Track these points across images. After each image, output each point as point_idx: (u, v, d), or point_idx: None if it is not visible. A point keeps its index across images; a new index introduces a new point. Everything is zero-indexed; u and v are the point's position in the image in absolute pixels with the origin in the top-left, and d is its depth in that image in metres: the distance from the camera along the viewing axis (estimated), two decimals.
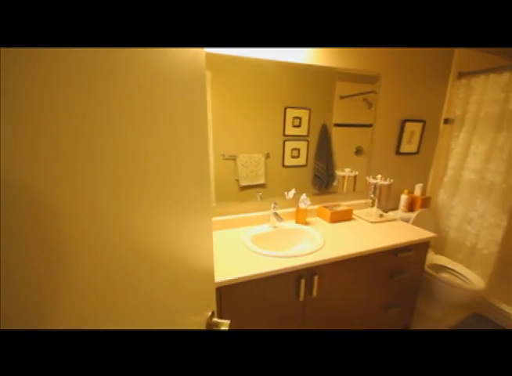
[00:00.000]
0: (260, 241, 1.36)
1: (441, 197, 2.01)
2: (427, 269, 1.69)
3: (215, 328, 0.67)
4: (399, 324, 1.59)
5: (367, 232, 1.46)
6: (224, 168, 1.45)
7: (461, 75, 1.86)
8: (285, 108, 1.51)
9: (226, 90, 1.35)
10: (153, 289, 0.45)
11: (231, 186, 1.50)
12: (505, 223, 1.66)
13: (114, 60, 0.34)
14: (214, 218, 1.44)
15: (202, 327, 0.64)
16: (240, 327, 1.11)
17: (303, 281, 1.15)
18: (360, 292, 1.35)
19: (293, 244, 1.44)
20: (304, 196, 1.54)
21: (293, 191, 1.59)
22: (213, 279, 0.79)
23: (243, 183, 1.52)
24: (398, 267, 1.40)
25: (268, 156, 1.54)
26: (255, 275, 1.04)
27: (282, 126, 1.53)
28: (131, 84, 0.37)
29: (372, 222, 1.59)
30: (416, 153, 1.96)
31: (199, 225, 0.61)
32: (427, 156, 2.04)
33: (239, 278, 1.02)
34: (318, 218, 1.65)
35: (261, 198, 1.55)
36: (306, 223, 1.55)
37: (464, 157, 1.86)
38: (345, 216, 1.62)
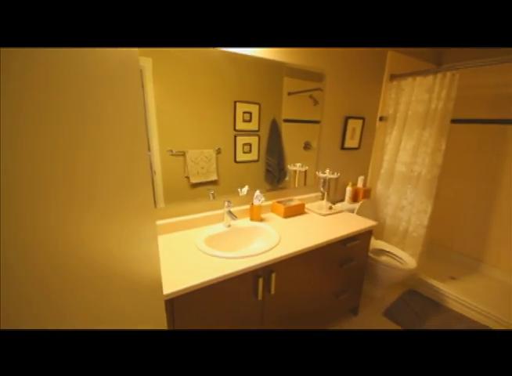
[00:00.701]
0: (215, 242, 1.28)
1: (379, 187, 2.21)
2: (369, 254, 1.85)
3: None
4: (349, 308, 1.70)
5: (319, 225, 1.51)
6: (172, 165, 1.33)
7: (393, 77, 2.05)
8: (235, 102, 1.45)
9: (171, 80, 1.23)
10: (81, 312, 0.36)
11: (181, 184, 1.38)
12: (430, 209, 1.91)
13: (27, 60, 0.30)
14: (164, 221, 1.32)
15: None
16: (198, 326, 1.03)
17: (261, 280, 1.12)
18: (314, 284, 1.40)
19: (249, 242, 1.40)
20: (258, 192, 1.51)
21: (246, 188, 1.55)
22: (160, 291, 0.70)
23: (194, 180, 1.42)
24: (346, 256, 1.49)
25: (219, 151, 1.47)
26: (210, 280, 0.97)
27: (232, 120, 1.47)
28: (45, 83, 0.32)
29: (323, 215, 1.66)
30: (358, 148, 2.12)
31: (139, 231, 0.51)
32: (367, 150, 2.22)
33: (193, 286, 0.93)
34: (272, 214, 1.65)
35: (214, 197, 1.48)
36: (261, 220, 1.54)
37: (396, 152, 2.08)
38: (298, 210, 1.65)
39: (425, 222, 1.93)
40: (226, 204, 1.37)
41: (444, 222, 2.44)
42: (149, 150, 1.27)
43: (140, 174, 0.47)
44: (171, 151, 1.31)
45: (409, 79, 1.93)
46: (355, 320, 1.74)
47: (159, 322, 0.63)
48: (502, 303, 1.82)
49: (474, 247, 2.30)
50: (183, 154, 1.35)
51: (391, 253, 1.94)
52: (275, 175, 1.73)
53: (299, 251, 1.21)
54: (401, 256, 1.88)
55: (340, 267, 1.48)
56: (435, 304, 1.91)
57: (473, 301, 1.79)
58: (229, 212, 1.36)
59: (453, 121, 1.81)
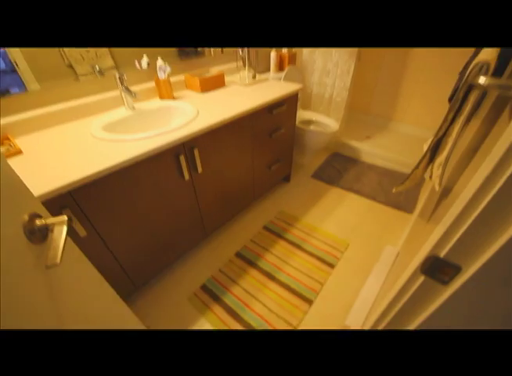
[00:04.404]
0: (118, 130, 1.05)
1: (305, 52, 2.02)
2: (298, 124, 1.86)
3: (46, 231, 0.46)
4: (282, 177, 1.82)
5: (242, 95, 1.34)
6: None
7: None
8: None
9: None
10: None
11: (52, 56, 0.98)
12: (352, 69, 1.86)
13: None
14: (46, 109, 1.01)
15: (19, 235, 0.42)
16: (127, 220, 0.95)
17: (182, 158, 1.00)
18: (245, 157, 1.36)
19: (162, 125, 1.20)
20: (160, 62, 1.19)
21: (145, 59, 1.20)
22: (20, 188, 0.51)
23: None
24: (274, 124, 1.43)
25: None
26: (116, 165, 0.80)
27: None
28: None
29: (246, 85, 1.47)
30: None
31: None
32: None
33: (95, 174, 0.77)
34: (188, 91, 1.39)
35: (102, 73, 1.11)
36: (174, 98, 1.28)
37: None
38: (217, 83, 1.42)
39: (348, 83, 1.92)
40: (117, 77, 1.05)
41: (363, 86, 2.52)
42: None
43: None
44: None
45: None
46: (288, 186, 1.91)
47: (20, 209, 0.47)
48: (403, 149, 2.17)
49: (386, 108, 2.51)
50: None
51: (318, 121, 1.98)
52: None
53: (221, 121, 1.07)
54: (326, 122, 1.94)
55: (270, 137, 1.45)
56: (353, 160, 2.19)
57: (381, 151, 2.08)
58: (127, 90, 1.07)
59: None
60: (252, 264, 1.37)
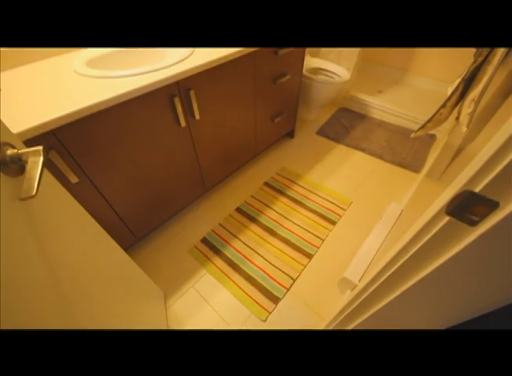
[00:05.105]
0: (103, 66, 0.94)
1: None
2: (305, 73, 1.70)
3: (21, 162, 0.41)
4: (285, 131, 1.72)
5: None
6: None
7: None
8: None
9: None
10: None
11: None
12: None
13: None
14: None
15: None
16: (121, 168, 0.90)
17: (177, 100, 0.91)
18: (247, 105, 1.25)
19: (154, 63, 1.07)
20: None
21: None
22: None
23: None
24: (279, 69, 1.29)
25: None
26: (102, 102, 0.72)
27: None
28: None
29: None
30: None
31: None
32: None
33: (78, 111, 0.69)
34: None
35: None
36: None
37: None
38: None
39: None
40: None
41: None
42: None
43: None
44: None
45: None
46: (291, 142, 1.82)
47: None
48: (417, 105, 2.02)
49: (403, 57, 2.29)
50: None
51: (327, 70, 1.81)
52: None
53: (219, 59, 0.95)
54: (336, 71, 1.77)
55: (274, 83, 1.32)
56: (361, 116, 2.05)
57: (393, 107, 1.94)
58: None
59: None
60: (252, 219, 1.35)
